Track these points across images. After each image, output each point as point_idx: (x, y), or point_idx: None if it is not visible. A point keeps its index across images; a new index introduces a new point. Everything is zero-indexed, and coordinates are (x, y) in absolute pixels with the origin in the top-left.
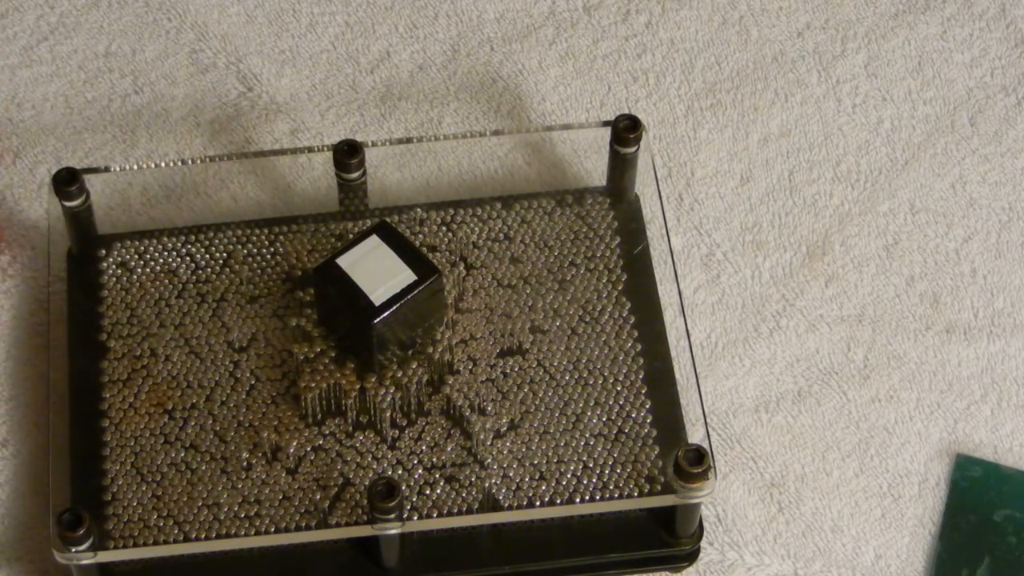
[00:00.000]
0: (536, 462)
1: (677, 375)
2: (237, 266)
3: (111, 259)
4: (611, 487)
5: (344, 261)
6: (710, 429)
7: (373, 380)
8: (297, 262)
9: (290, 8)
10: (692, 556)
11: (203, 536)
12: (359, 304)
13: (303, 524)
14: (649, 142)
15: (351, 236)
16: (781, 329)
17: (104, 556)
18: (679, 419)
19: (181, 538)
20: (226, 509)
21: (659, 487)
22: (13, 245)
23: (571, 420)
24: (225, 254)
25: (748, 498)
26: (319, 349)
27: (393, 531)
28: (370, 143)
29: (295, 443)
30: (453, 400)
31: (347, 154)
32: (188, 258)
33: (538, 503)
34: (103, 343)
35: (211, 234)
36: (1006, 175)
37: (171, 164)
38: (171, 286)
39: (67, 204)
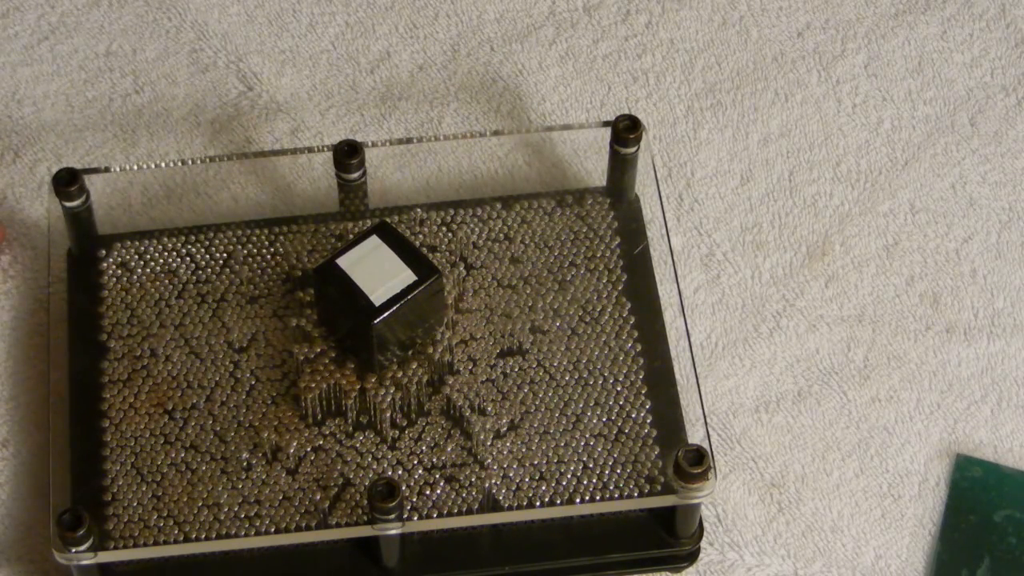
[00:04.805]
0: (536, 462)
1: (677, 375)
2: (237, 266)
3: (111, 259)
4: (611, 487)
5: (344, 261)
6: (710, 429)
7: (373, 380)
8: (297, 262)
9: (290, 8)
10: (692, 556)
11: (203, 536)
12: (359, 304)
13: (303, 524)
14: (649, 142)
15: (351, 236)
16: (781, 329)
17: (104, 556)
18: (679, 419)
19: (181, 538)
20: (226, 509)
21: (659, 487)
22: (13, 245)
23: (571, 420)
24: (225, 254)
25: (748, 498)
26: (319, 349)
27: (393, 531)
28: (370, 143)
29: (295, 443)
30: (453, 400)
31: (347, 154)
32: (188, 258)
33: (538, 503)
34: (103, 343)
35: (211, 234)
36: (1006, 175)
37: (171, 164)
38: (171, 286)
39: (67, 204)
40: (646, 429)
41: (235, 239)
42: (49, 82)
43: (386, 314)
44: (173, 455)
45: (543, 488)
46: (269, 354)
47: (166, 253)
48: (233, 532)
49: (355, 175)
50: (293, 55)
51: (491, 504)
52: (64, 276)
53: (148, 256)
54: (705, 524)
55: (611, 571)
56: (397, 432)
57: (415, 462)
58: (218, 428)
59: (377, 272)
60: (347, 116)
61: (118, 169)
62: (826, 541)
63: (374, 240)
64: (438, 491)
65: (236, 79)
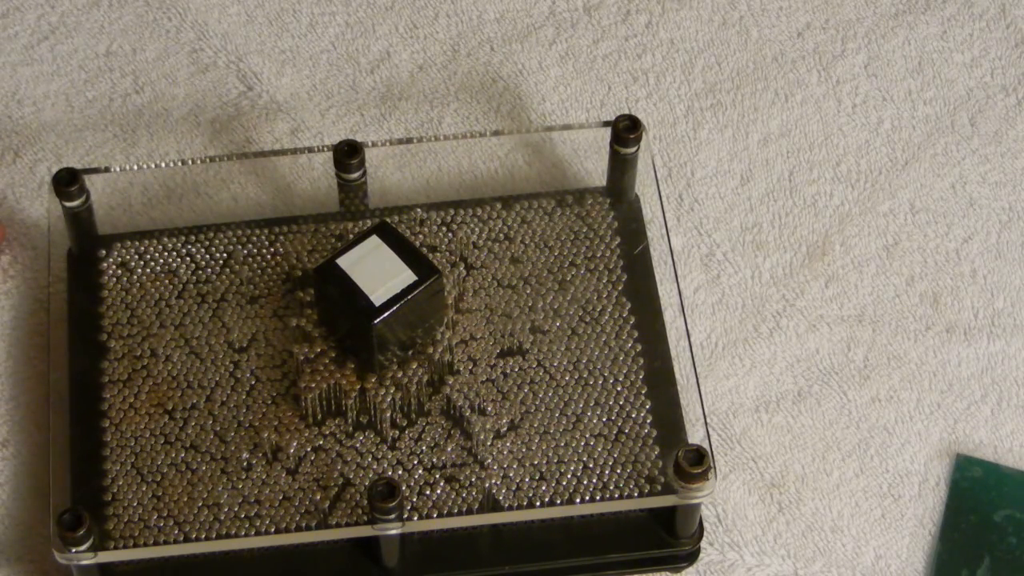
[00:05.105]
0: (536, 462)
1: (677, 375)
2: (237, 266)
3: (111, 259)
4: (611, 487)
5: (344, 261)
6: (710, 429)
7: (373, 380)
8: (297, 262)
9: (290, 8)
10: (692, 556)
11: (203, 536)
12: (359, 304)
13: (303, 524)
14: (649, 142)
15: (351, 236)
16: (781, 329)
17: (104, 556)
18: (679, 419)
19: (181, 538)
20: (226, 509)
21: (659, 487)
22: (14, 245)
23: (571, 420)
24: (225, 254)
25: (748, 498)
26: (319, 349)
27: (393, 531)
28: (370, 143)
29: (295, 443)
30: (453, 400)
31: (347, 154)
32: (188, 258)
33: (538, 503)
34: (103, 343)
35: (211, 234)
36: (1006, 175)
37: (171, 164)
38: (171, 286)
39: (67, 204)
40: (646, 429)
41: (235, 239)
42: (49, 82)
43: (386, 314)
44: (173, 455)
45: (543, 488)
46: (269, 354)
47: (166, 253)
48: (233, 532)
49: (355, 175)
50: (293, 55)
51: (491, 504)
52: (64, 276)
53: (148, 256)
54: (705, 524)
55: (611, 571)
56: (397, 432)
57: (415, 462)
58: (218, 428)
59: (377, 272)
60: (347, 116)
61: (118, 169)
62: (826, 541)
63: (374, 240)
64: (438, 491)
65: (236, 79)
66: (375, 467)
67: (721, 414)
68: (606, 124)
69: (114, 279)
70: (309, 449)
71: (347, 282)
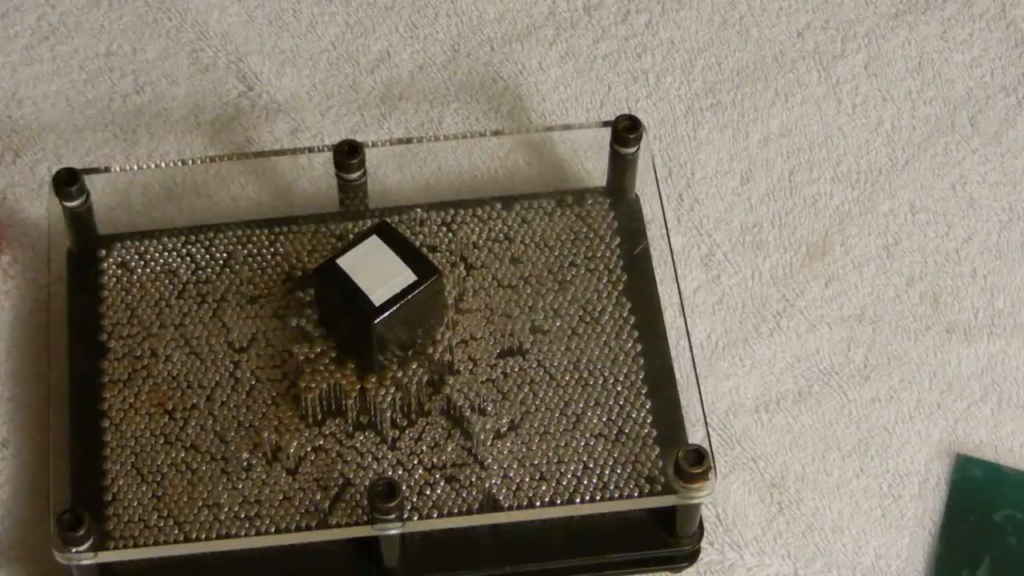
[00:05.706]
0: (536, 462)
1: (677, 375)
2: (237, 266)
3: (111, 259)
4: (611, 487)
5: (344, 261)
6: (710, 429)
7: (373, 380)
8: (297, 262)
9: (290, 8)
10: (692, 556)
11: (203, 536)
12: (359, 304)
13: (303, 524)
14: (649, 142)
15: (351, 236)
16: (781, 329)
17: (104, 556)
18: (679, 419)
19: (181, 538)
20: (226, 509)
21: (659, 487)
22: (14, 245)
23: (571, 420)
24: (225, 254)
25: (748, 498)
26: (319, 349)
27: (393, 531)
28: (370, 143)
29: (295, 443)
30: (453, 400)
31: (347, 154)
32: (188, 258)
33: (538, 503)
34: (103, 343)
35: (211, 234)
36: (1006, 175)
37: (171, 164)
38: (171, 286)
39: (67, 204)
40: (646, 429)
41: (235, 239)
42: (49, 82)
43: (386, 314)
44: (173, 455)
45: (543, 488)
46: (269, 354)
47: (166, 253)
48: (233, 532)
49: (355, 175)
50: (293, 55)
51: (491, 504)
52: (64, 276)
53: (148, 256)
54: (705, 524)
55: (611, 571)
56: (397, 432)
57: (415, 462)
58: (218, 428)
59: (377, 272)
60: (347, 116)
61: (118, 169)
62: (826, 541)
63: (374, 240)
64: (438, 491)
65: (236, 79)
66: (375, 467)
67: (721, 414)
68: (606, 124)
69: (114, 279)
70: (309, 449)
71: (347, 282)
